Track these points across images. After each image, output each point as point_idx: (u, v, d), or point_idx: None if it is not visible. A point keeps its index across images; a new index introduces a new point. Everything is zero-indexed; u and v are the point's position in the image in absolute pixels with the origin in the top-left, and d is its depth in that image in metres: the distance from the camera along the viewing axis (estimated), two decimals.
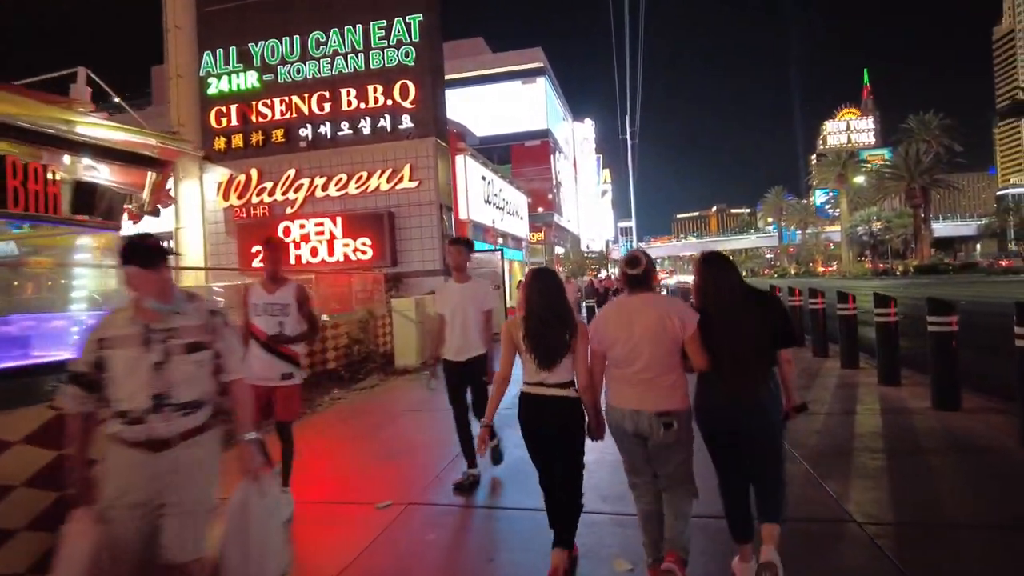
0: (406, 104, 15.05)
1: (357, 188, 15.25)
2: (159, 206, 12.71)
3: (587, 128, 71.48)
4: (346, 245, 15.10)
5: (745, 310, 2.69)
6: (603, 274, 41.94)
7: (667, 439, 2.64)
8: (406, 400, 7.67)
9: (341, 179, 15.38)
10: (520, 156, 50.64)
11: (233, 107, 16.12)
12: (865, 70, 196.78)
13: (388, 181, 15.09)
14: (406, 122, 15.05)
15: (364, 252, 14.98)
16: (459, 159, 23.41)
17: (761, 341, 2.67)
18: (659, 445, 2.67)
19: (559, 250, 48.25)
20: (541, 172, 50.83)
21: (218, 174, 16.30)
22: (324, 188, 15.48)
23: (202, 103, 16.37)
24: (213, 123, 16.23)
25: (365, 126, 15.30)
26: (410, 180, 15.00)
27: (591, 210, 72.31)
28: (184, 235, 16.48)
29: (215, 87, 16.26)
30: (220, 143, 16.19)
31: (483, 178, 26.15)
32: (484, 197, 26.26)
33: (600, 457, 4.23)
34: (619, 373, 2.77)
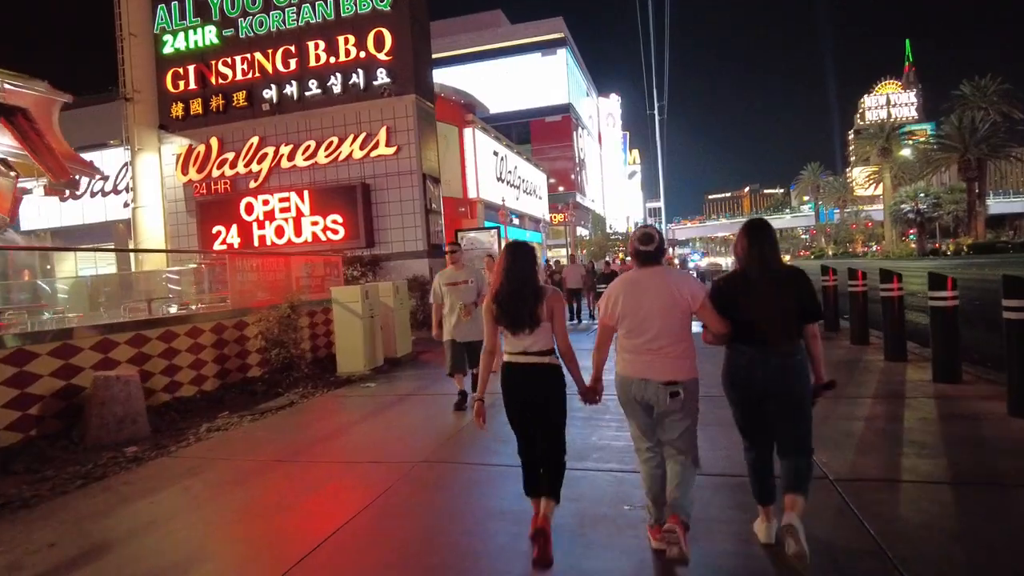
0: (381, 56, 12.80)
1: (327, 156, 13.12)
2: (77, 176, 10.67)
3: (612, 103, 68.16)
4: (315, 223, 12.99)
5: (771, 280, 2.69)
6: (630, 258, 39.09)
7: (672, 407, 2.69)
8: (305, 435, 5.32)
9: (309, 147, 13.28)
10: (540, 132, 47.97)
11: (191, 68, 14.11)
12: (907, 42, 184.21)
13: (362, 148, 12.91)
14: (381, 77, 12.81)
15: (335, 231, 12.87)
16: (467, 132, 21.30)
17: (785, 310, 2.66)
18: (664, 413, 2.72)
19: (582, 231, 45.45)
20: (563, 149, 48.15)
21: (176, 146, 14.36)
22: (290, 157, 13.40)
23: (157, 65, 14.39)
24: (170, 87, 14.25)
25: (335, 84, 13.12)
26: (387, 146, 12.80)
27: (617, 189, 69.23)
28: (143, 215, 14.67)
29: (171, 45, 14.26)
30: (178, 109, 14.23)
31: (495, 153, 24.05)
32: (496, 174, 24.17)
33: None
34: (629, 344, 2.77)
